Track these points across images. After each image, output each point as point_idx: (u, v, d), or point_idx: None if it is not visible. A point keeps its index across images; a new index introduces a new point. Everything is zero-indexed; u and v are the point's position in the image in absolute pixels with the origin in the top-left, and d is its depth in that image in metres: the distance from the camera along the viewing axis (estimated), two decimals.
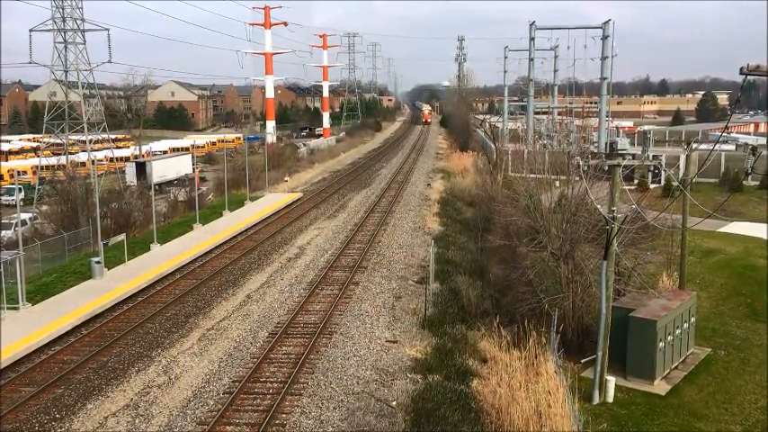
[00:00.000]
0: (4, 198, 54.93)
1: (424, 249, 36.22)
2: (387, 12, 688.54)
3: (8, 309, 26.92)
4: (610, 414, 20.53)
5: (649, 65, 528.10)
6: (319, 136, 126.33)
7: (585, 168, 22.30)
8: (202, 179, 67.63)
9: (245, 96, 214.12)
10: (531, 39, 76.32)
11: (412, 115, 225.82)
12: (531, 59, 78.27)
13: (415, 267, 34.18)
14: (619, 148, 21.04)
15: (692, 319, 24.91)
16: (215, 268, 34.64)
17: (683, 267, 28.64)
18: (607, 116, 74.32)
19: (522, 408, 17.43)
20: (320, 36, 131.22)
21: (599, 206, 22.49)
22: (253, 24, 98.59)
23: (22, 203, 47.32)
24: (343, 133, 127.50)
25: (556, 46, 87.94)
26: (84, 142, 68.87)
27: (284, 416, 19.06)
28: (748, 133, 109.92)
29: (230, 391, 20.46)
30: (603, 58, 69.67)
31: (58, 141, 73.27)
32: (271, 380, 21.31)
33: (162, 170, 67.88)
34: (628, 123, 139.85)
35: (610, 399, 21.30)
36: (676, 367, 23.59)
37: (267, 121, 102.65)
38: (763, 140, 77.67)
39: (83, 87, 66.38)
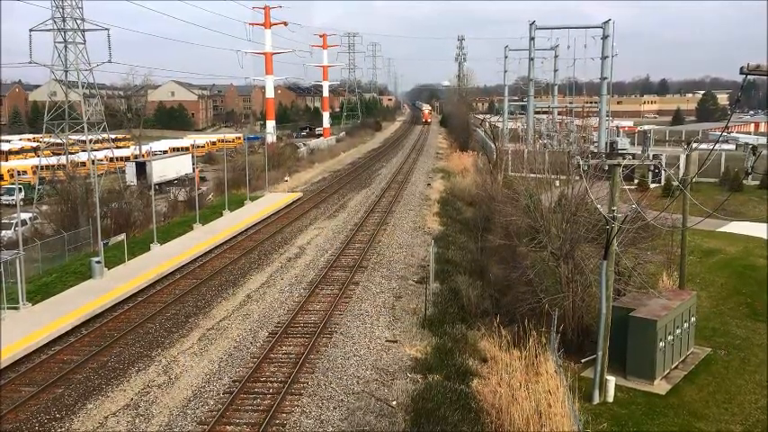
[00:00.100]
0: (4, 198, 54.92)
1: (424, 249, 36.22)
2: (387, 12, 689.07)
3: (8, 308, 26.93)
4: (610, 414, 20.53)
5: (649, 65, 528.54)
6: (319, 136, 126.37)
7: (585, 168, 22.26)
8: (202, 179, 67.62)
9: (245, 96, 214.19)
10: (531, 38, 76.34)
11: (412, 115, 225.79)
12: (531, 59, 78.30)
13: (415, 267, 34.18)
14: (619, 147, 21.05)
15: (692, 319, 24.91)
16: (215, 268, 34.64)
17: (683, 267, 28.64)
18: (607, 116, 74.32)
19: (523, 407, 17.43)
20: (320, 36, 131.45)
21: (599, 206, 22.47)
22: (253, 24, 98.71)
23: (22, 203, 47.29)
24: (343, 133, 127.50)
25: (556, 46, 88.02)
26: (84, 142, 68.85)
27: (284, 416, 19.06)
28: (748, 133, 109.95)
29: (230, 391, 20.46)
30: (603, 58, 69.69)
31: (58, 141, 73.26)
32: (271, 380, 21.30)
33: (162, 170, 67.89)
34: (628, 123, 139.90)
35: (610, 398, 21.30)
36: (676, 367, 23.59)
37: (267, 121, 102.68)
38: (763, 140, 77.66)
39: (83, 87, 66.36)
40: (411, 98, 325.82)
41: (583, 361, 23.63)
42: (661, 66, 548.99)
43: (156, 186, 52.86)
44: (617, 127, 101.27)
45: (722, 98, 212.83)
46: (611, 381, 21.48)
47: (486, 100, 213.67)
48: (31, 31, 65.15)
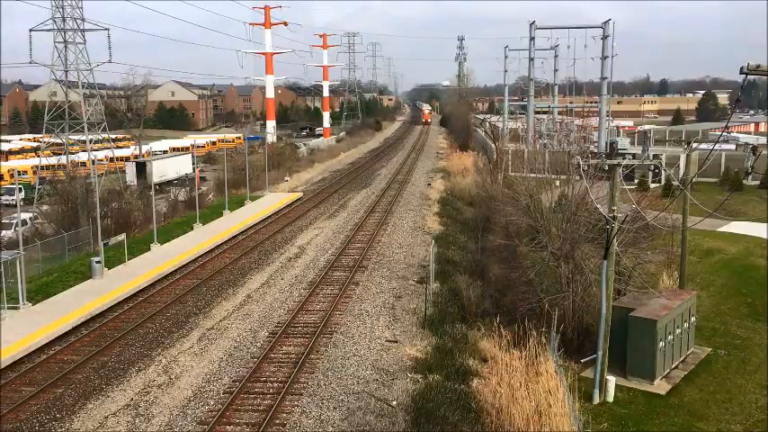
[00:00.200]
0: (4, 198, 54.91)
1: (424, 249, 36.22)
2: (387, 12, 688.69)
3: (8, 308, 26.93)
4: (610, 414, 20.53)
5: (649, 65, 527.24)
6: (319, 136, 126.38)
7: (586, 168, 22.26)
8: (202, 179, 67.56)
9: (245, 96, 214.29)
10: (531, 38, 76.23)
11: (412, 115, 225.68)
12: (531, 59, 78.17)
13: (416, 267, 34.18)
14: (619, 147, 21.05)
15: (693, 319, 24.91)
16: (215, 268, 34.65)
17: (683, 267, 28.64)
18: (607, 116, 74.24)
19: (523, 407, 17.45)
20: (320, 36, 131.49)
21: (599, 206, 22.48)
22: (253, 24, 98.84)
23: (22, 203, 47.32)
24: (344, 133, 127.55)
25: (556, 46, 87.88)
26: (84, 142, 68.75)
27: (284, 415, 19.07)
28: (749, 133, 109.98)
29: (230, 391, 20.46)
30: (603, 58, 69.58)
31: (59, 141, 73.22)
32: (271, 379, 21.31)
33: (162, 170, 67.91)
34: (628, 123, 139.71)
35: (610, 398, 21.30)
36: (676, 367, 23.59)
37: (267, 121, 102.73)
38: (763, 140, 77.78)
39: (83, 87, 66.28)
40: (411, 98, 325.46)
41: (583, 361, 23.63)
42: (661, 66, 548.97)
43: (157, 186, 52.81)
44: (617, 127, 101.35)
45: (722, 98, 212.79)
46: (612, 381, 21.48)
47: (487, 100, 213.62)
48: (31, 31, 65.08)
